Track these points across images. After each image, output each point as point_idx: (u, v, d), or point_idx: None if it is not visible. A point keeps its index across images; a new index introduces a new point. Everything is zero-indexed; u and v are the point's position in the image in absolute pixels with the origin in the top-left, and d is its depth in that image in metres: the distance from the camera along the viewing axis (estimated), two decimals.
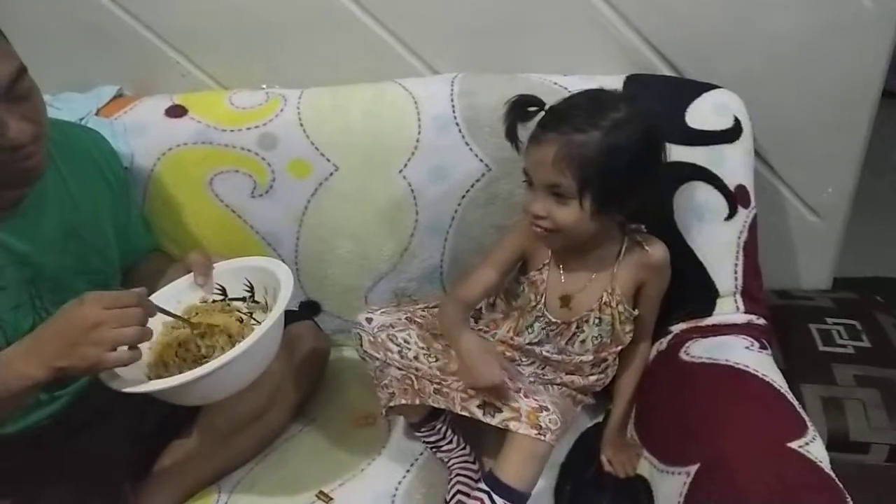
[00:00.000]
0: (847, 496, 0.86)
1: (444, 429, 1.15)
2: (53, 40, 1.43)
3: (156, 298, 1.03)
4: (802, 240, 1.51)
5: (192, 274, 1.08)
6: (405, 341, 1.10)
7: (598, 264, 1.10)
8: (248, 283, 1.08)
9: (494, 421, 1.01)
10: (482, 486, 0.99)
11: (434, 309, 1.20)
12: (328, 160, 1.30)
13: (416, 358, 1.08)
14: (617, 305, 1.10)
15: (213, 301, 1.08)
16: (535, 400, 1.00)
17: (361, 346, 1.13)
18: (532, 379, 1.14)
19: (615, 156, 0.96)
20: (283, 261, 1.31)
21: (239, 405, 1.16)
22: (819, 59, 1.32)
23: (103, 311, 0.84)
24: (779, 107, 1.36)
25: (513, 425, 0.99)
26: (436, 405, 1.06)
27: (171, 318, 1.01)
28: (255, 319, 1.06)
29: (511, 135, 1.03)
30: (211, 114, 1.33)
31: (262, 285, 1.07)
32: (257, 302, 1.08)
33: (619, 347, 1.14)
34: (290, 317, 1.28)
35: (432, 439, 1.16)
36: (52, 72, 1.40)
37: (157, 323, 1.00)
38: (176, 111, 1.34)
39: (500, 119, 1.03)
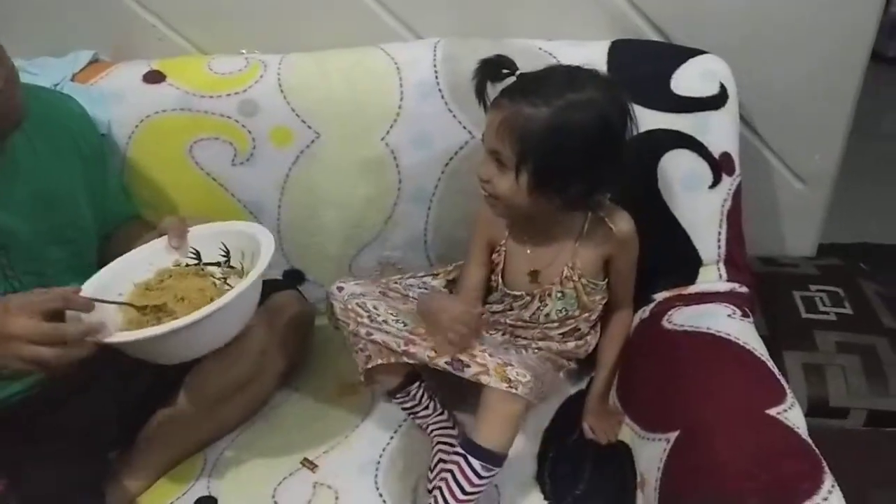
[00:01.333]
0: (823, 462, 0.87)
1: (419, 394, 1.16)
2: (28, 3, 1.40)
3: (128, 260, 1.06)
4: (788, 207, 1.52)
5: (165, 237, 1.07)
6: (374, 308, 1.10)
7: (563, 238, 1.10)
8: (224, 248, 1.08)
9: (465, 375, 1.02)
10: (458, 449, 1.01)
11: (416, 278, 1.21)
12: (310, 127, 1.29)
13: (384, 322, 1.09)
14: (580, 279, 1.10)
15: (187, 265, 1.08)
16: (501, 358, 1.02)
17: (334, 314, 1.13)
18: (506, 346, 1.14)
19: (558, 137, 0.94)
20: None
21: (224, 373, 1.18)
22: (808, 24, 1.30)
23: (25, 322, 0.84)
24: (767, 73, 1.35)
25: (483, 378, 1.00)
26: (408, 360, 1.07)
27: (142, 279, 1.03)
28: (228, 284, 1.05)
29: (479, 92, 1.02)
30: (190, 80, 1.31)
31: (240, 250, 1.07)
32: (232, 267, 1.07)
33: (591, 315, 1.15)
34: (273, 285, 1.30)
35: (408, 405, 1.16)
36: (27, 36, 1.40)
37: (128, 284, 1.03)
38: (154, 77, 1.32)
39: (471, 76, 1.02)
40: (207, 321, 0.89)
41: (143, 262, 1.06)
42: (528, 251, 1.12)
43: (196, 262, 1.08)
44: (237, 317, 0.99)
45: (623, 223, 1.10)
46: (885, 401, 1.19)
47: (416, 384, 1.15)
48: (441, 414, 1.17)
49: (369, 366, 1.11)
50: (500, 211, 1.09)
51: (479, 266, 1.18)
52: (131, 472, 1.13)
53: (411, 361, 1.07)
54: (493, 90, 1.02)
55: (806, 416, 1.17)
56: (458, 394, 1.16)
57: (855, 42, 1.32)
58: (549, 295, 1.12)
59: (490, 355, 1.02)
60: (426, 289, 1.23)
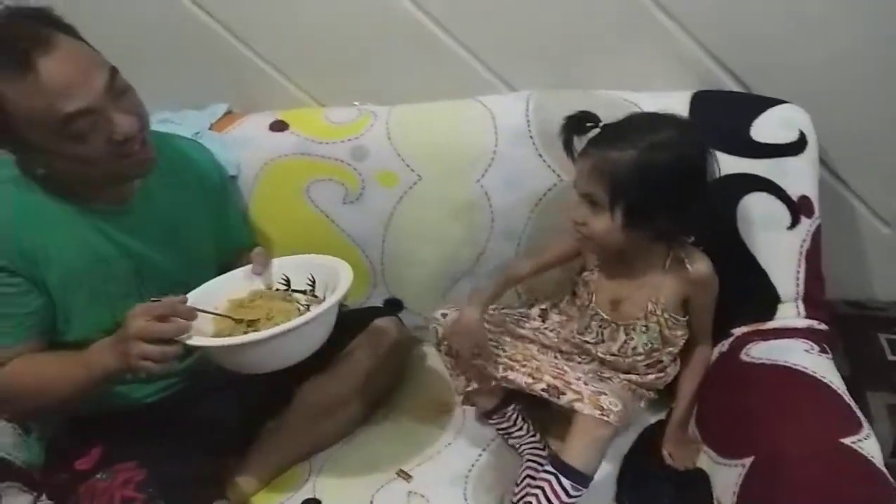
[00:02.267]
0: None
1: (514, 416, 1.25)
2: (172, 63, 1.58)
3: (226, 279, 1.19)
4: (875, 251, 1.52)
5: (250, 265, 1.21)
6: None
7: (643, 274, 1.18)
8: (311, 279, 1.19)
9: (560, 402, 1.10)
10: (549, 468, 1.08)
11: (506, 311, 1.32)
12: (413, 170, 1.41)
13: (488, 352, 1.18)
14: (662, 314, 1.17)
15: (277, 289, 1.20)
16: (594, 387, 1.10)
17: (437, 337, 1.24)
18: (591, 375, 1.21)
19: (645, 175, 1.04)
20: (370, 262, 1.46)
21: (330, 390, 1.30)
22: (885, 70, 1.33)
23: (142, 324, 0.98)
24: (848, 120, 1.38)
25: (577, 406, 1.08)
26: (506, 385, 1.16)
27: (236, 297, 1.16)
28: (309, 310, 1.14)
29: (567, 146, 1.13)
30: (309, 128, 1.46)
31: (325, 282, 1.18)
32: (315, 296, 1.19)
33: (673, 349, 1.21)
34: (375, 313, 1.42)
35: (504, 426, 1.25)
36: (172, 92, 1.57)
37: (223, 300, 1.16)
38: (278, 126, 1.47)
39: (559, 132, 1.13)
40: (278, 339, 1.00)
41: (239, 282, 1.19)
42: (613, 282, 1.21)
43: (286, 287, 1.21)
44: (310, 338, 1.08)
45: (700, 265, 1.16)
46: None
47: (512, 406, 1.24)
48: (534, 436, 1.24)
49: (469, 388, 1.20)
50: (591, 249, 1.20)
51: (552, 256, 1.27)
52: (246, 472, 1.25)
53: (509, 386, 1.16)
54: (579, 142, 1.13)
55: (890, 457, 1.19)
56: (550, 417, 1.24)
57: None
58: (635, 329, 1.19)
59: (585, 384, 1.11)
60: (520, 316, 1.31)
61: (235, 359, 1.07)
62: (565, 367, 1.17)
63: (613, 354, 1.21)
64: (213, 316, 1.10)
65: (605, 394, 1.08)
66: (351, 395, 1.32)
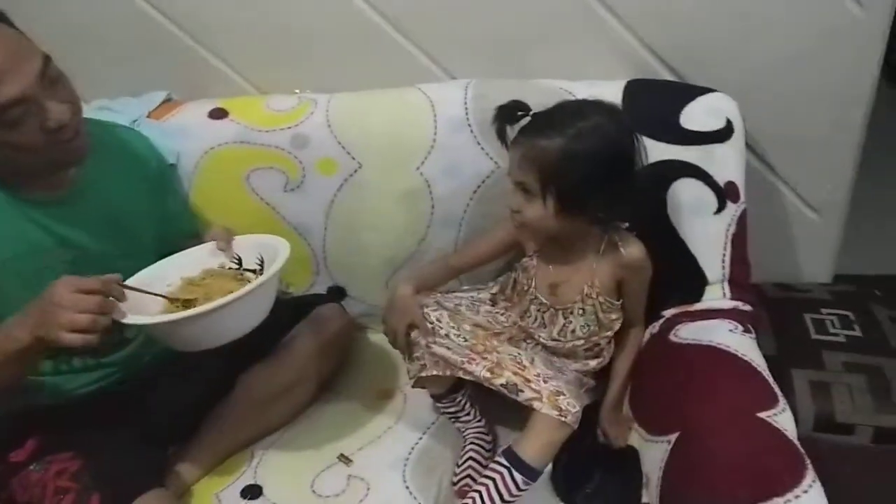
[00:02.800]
0: (807, 460, 0.94)
1: (463, 401, 1.26)
2: (111, 50, 1.57)
3: (180, 258, 1.20)
4: (802, 236, 1.58)
5: (213, 242, 1.21)
6: (437, 320, 1.19)
7: (579, 259, 1.21)
8: (260, 258, 1.20)
9: (519, 398, 1.12)
10: (502, 460, 1.10)
11: (463, 293, 1.33)
12: (353, 158, 1.42)
13: (447, 335, 1.18)
14: (598, 297, 1.20)
15: (229, 268, 1.21)
16: (553, 384, 1.12)
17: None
18: (545, 364, 1.23)
19: (573, 162, 1.06)
20: (312, 249, 1.47)
21: (272, 377, 1.30)
22: (814, 61, 1.38)
23: (68, 294, 0.95)
24: (777, 108, 1.43)
25: (536, 405, 1.10)
26: (465, 377, 1.16)
27: (188, 275, 1.17)
28: None
29: (500, 135, 1.15)
30: (249, 116, 1.45)
31: (272, 261, 1.16)
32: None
33: (610, 332, 1.24)
34: (318, 300, 1.43)
35: (452, 410, 1.26)
36: (110, 79, 1.55)
37: (176, 278, 1.16)
38: (218, 114, 1.46)
39: (491, 121, 1.15)
40: (213, 315, 1.00)
41: (193, 261, 1.20)
42: (550, 267, 1.23)
43: (237, 266, 1.21)
44: (246, 313, 1.08)
45: (634, 248, 1.19)
46: (890, 418, 1.23)
47: (462, 392, 1.26)
48: (479, 421, 1.27)
49: (423, 374, 1.20)
50: (527, 236, 1.22)
51: (490, 247, 1.30)
52: (187, 462, 1.25)
53: (467, 378, 1.16)
54: (511, 131, 1.15)
55: (812, 430, 1.25)
56: (497, 404, 1.24)
57: (860, 74, 1.39)
58: (573, 312, 1.22)
59: (544, 381, 1.13)
60: (473, 301, 1.32)
61: (173, 336, 1.06)
62: (525, 362, 1.17)
63: (554, 339, 1.24)
64: (159, 297, 1.10)
65: (564, 394, 1.10)
66: (294, 381, 1.32)
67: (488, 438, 1.25)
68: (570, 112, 1.11)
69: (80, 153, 1.09)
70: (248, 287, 1.04)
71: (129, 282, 1.07)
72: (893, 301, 1.48)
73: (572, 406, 1.09)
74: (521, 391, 1.12)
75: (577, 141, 1.07)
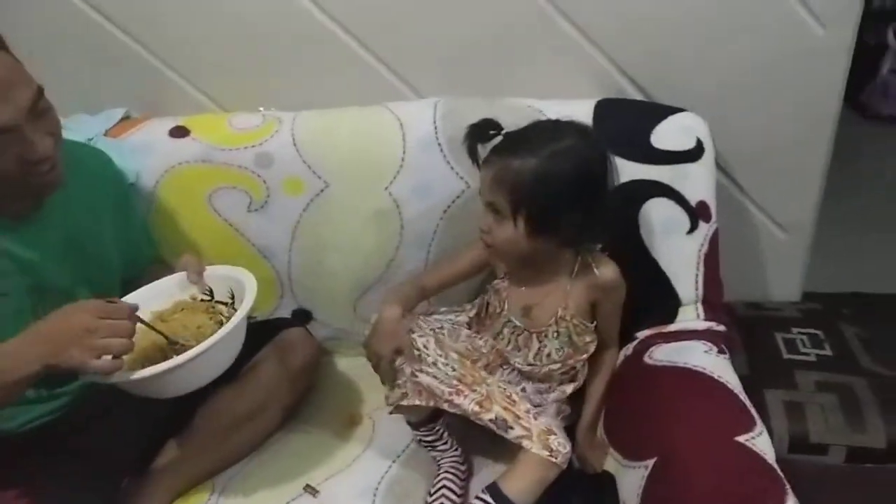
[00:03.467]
0: (787, 484, 0.93)
1: (441, 430, 1.21)
2: (65, 65, 1.51)
3: (151, 289, 1.16)
4: (771, 254, 1.59)
5: (184, 273, 1.17)
6: (424, 346, 1.14)
7: (552, 280, 1.18)
8: (231, 292, 1.16)
9: (508, 436, 1.09)
10: (487, 498, 1.06)
11: (442, 315, 1.29)
12: (319, 178, 1.38)
13: (434, 364, 1.13)
14: (571, 319, 1.18)
15: (201, 300, 1.17)
16: (544, 422, 1.09)
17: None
18: (530, 393, 1.21)
19: (545, 183, 1.04)
20: (276, 272, 1.43)
21: (235, 405, 1.25)
22: (780, 81, 1.39)
23: (97, 319, 0.92)
24: (744, 128, 1.44)
25: (525, 443, 1.07)
26: (451, 410, 1.11)
27: (159, 308, 1.14)
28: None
29: (472, 154, 1.13)
30: (211, 134, 1.41)
31: (240, 295, 1.15)
32: (235, 309, 1.14)
33: (585, 356, 1.22)
34: (283, 324, 1.38)
35: (429, 439, 1.21)
36: (64, 95, 1.46)
37: (147, 312, 1.12)
38: (179, 132, 1.42)
39: (462, 139, 1.12)
40: (185, 366, 0.98)
41: (164, 292, 1.16)
42: (523, 289, 1.21)
43: (209, 298, 1.18)
44: (216, 360, 1.06)
45: (607, 269, 1.18)
46: (863, 437, 1.24)
47: (440, 420, 1.21)
48: (456, 450, 1.22)
49: (403, 403, 1.15)
50: (497, 257, 1.19)
51: (458, 268, 1.26)
52: (144, 496, 1.19)
53: (452, 410, 1.11)
54: (483, 150, 1.13)
55: (788, 452, 1.24)
56: (475, 433, 1.22)
57: (825, 93, 1.41)
58: (546, 335, 1.19)
59: (535, 418, 1.10)
60: (454, 326, 1.27)
61: (147, 388, 1.03)
62: (514, 397, 1.14)
63: (530, 363, 1.21)
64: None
65: (555, 433, 1.08)
66: (257, 409, 1.27)
67: (463, 468, 1.21)
68: (543, 132, 1.09)
69: (55, 184, 1.06)
70: (217, 336, 1.01)
71: None
72: (860, 319, 1.50)
73: (563, 447, 1.07)
74: (511, 428, 1.09)
75: (551, 162, 1.05)
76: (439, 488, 1.16)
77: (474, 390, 1.12)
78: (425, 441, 1.22)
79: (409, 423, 1.24)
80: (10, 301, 1.07)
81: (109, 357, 0.93)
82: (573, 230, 1.09)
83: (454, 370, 1.13)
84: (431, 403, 1.12)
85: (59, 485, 1.07)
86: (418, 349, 1.14)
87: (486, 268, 1.27)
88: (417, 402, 1.13)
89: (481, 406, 1.10)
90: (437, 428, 1.21)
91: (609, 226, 1.13)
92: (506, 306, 1.21)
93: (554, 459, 1.06)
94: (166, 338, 1.07)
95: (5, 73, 0.95)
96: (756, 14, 1.34)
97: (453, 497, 1.15)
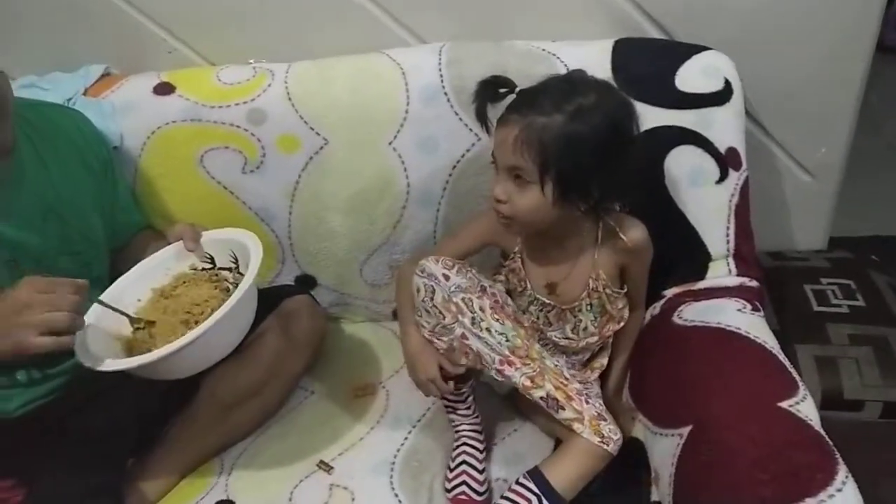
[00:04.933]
0: (836, 453, 0.87)
1: (466, 394, 1.15)
2: (37, 19, 1.42)
3: (146, 266, 1.10)
4: (796, 200, 1.52)
5: (180, 242, 1.11)
6: (480, 309, 1.06)
7: (577, 251, 1.10)
8: (233, 255, 1.10)
9: (559, 416, 1.03)
10: (531, 486, 1.01)
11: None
12: (318, 134, 1.30)
13: (488, 329, 1.05)
14: (604, 289, 1.10)
15: (203, 269, 1.11)
16: (595, 407, 1.04)
17: (432, 299, 1.07)
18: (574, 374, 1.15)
19: (576, 142, 0.94)
20: (276, 236, 1.36)
21: (239, 378, 1.20)
22: (811, 17, 1.30)
23: (35, 294, 0.86)
24: (771, 67, 1.35)
25: (577, 427, 1.02)
26: (499, 378, 1.06)
27: (159, 284, 1.08)
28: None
29: (480, 115, 1.02)
30: (199, 91, 1.33)
31: (245, 258, 1.09)
32: (241, 274, 1.09)
33: (621, 324, 1.15)
34: (286, 291, 1.32)
35: (451, 399, 1.15)
36: (38, 52, 1.41)
37: (146, 289, 1.08)
38: (164, 89, 1.33)
39: (471, 99, 1.02)
40: (192, 346, 0.92)
41: (161, 267, 1.10)
42: (543, 264, 1.12)
43: (211, 266, 1.11)
44: (223, 338, 1.01)
45: (635, 232, 1.09)
46: None
47: (469, 383, 1.15)
48: (476, 417, 1.16)
49: (448, 357, 1.09)
50: (515, 229, 1.08)
51: (459, 250, 1.16)
52: (149, 476, 1.15)
53: (500, 379, 1.06)
54: (493, 111, 1.02)
55: (820, 409, 1.18)
56: (496, 404, 1.21)
57: (859, 33, 1.32)
58: (580, 309, 1.12)
59: (586, 401, 1.04)
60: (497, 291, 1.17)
61: (154, 371, 0.98)
62: (567, 375, 1.08)
63: (568, 338, 1.15)
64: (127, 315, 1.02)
65: (605, 419, 1.03)
66: (262, 382, 1.22)
67: (481, 437, 1.15)
68: (564, 88, 0.98)
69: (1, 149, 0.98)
70: (222, 310, 0.94)
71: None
72: (890, 267, 1.44)
73: (614, 433, 1.02)
74: (563, 408, 1.04)
75: (580, 118, 0.94)
76: (459, 463, 1.11)
77: (526, 363, 1.06)
78: (448, 401, 1.16)
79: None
80: None
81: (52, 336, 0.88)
82: (601, 192, 0.99)
83: (508, 340, 1.06)
84: (478, 367, 1.07)
85: (57, 471, 1.03)
86: (473, 312, 1.06)
87: (490, 245, 1.18)
88: (463, 362, 1.07)
89: (532, 381, 1.04)
90: (463, 390, 1.15)
91: (635, 185, 1.03)
92: (528, 284, 1.13)
93: (605, 447, 1.01)
94: (129, 317, 1.02)
95: None
96: None
97: (475, 473, 1.10)
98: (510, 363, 1.05)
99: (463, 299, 1.06)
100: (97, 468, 1.07)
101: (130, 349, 1.02)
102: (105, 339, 1.00)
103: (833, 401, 1.20)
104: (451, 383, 1.11)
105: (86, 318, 0.94)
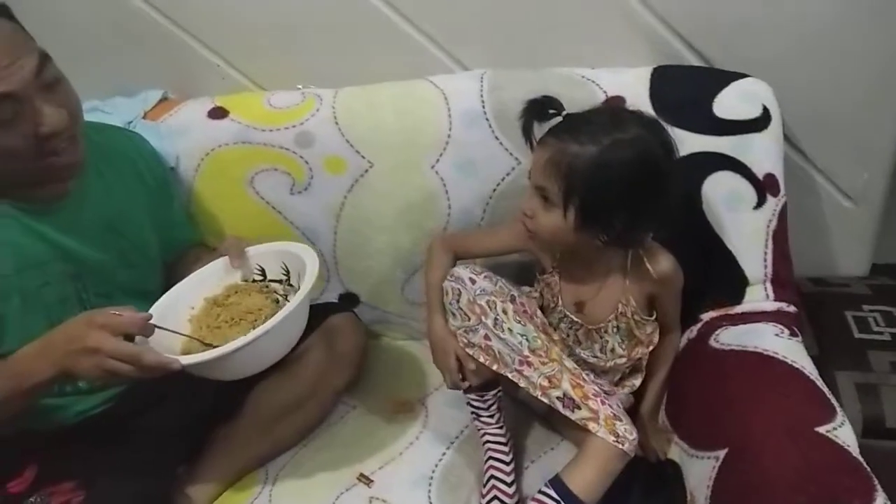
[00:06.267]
0: (875, 480, 0.87)
1: (490, 401, 1.17)
2: (101, 48, 1.49)
3: (199, 277, 1.14)
4: (838, 226, 1.50)
5: (227, 257, 1.14)
6: (503, 311, 1.09)
7: (604, 274, 1.12)
8: (285, 267, 1.13)
9: (574, 416, 1.04)
10: (552, 493, 1.02)
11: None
12: (363, 157, 1.34)
13: (509, 330, 1.08)
14: (632, 315, 1.12)
15: (253, 281, 1.15)
16: (611, 407, 1.04)
17: (458, 301, 1.11)
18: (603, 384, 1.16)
19: (603, 175, 0.96)
20: (322, 255, 1.39)
21: (283, 392, 1.24)
22: (850, 41, 1.30)
23: (107, 339, 0.89)
24: (811, 92, 1.35)
25: (592, 426, 1.03)
26: (516, 381, 1.08)
27: (211, 294, 1.12)
28: (288, 301, 1.10)
29: (526, 132, 1.05)
30: (250, 114, 1.38)
31: (297, 270, 1.12)
32: (292, 285, 1.13)
33: (650, 347, 1.17)
34: (329, 308, 1.35)
35: (476, 404, 1.17)
36: (101, 78, 1.47)
37: (199, 299, 1.11)
38: (217, 113, 1.39)
39: (518, 115, 1.06)
40: (250, 347, 0.95)
41: (213, 277, 1.14)
42: (574, 282, 1.15)
43: (262, 278, 1.15)
44: (279, 341, 1.03)
45: (663, 263, 1.10)
46: None
47: (493, 392, 1.16)
48: (500, 427, 1.17)
49: (470, 352, 1.11)
50: (539, 245, 1.12)
51: (492, 247, 1.21)
52: (197, 484, 1.19)
53: (519, 382, 1.08)
54: (539, 129, 1.06)
55: (861, 437, 1.17)
56: (522, 418, 1.22)
57: None
58: (607, 330, 1.14)
59: (602, 402, 1.05)
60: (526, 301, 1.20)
61: (208, 370, 1.01)
62: (585, 377, 1.09)
63: (596, 356, 1.17)
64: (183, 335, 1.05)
65: (621, 420, 1.04)
66: (305, 396, 1.26)
67: (507, 450, 1.16)
68: (607, 119, 1.01)
69: (74, 167, 1.03)
70: (281, 314, 0.97)
71: (152, 310, 1.03)
72: None
73: (629, 433, 1.02)
74: (578, 408, 1.04)
75: (612, 152, 0.97)
76: (488, 479, 1.13)
77: (545, 363, 1.07)
78: (473, 408, 1.17)
79: (464, 389, 1.18)
80: (52, 289, 1.07)
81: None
82: (624, 229, 1.01)
83: (528, 341, 1.08)
84: (494, 367, 1.09)
85: (115, 475, 1.06)
86: (496, 314, 1.09)
87: (517, 251, 1.21)
88: (482, 360, 1.10)
89: (550, 382, 1.06)
90: (487, 397, 1.16)
91: (669, 217, 1.04)
92: (559, 301, 1.16)
93: (620, 445, 1.01)
94: (196, 339, 1.05)
95: (6, 39, 0.93)
96: None
97: (504, 487, 1.11)
98: (529, 363, 1.07)
99: (487, 301, 1.09)
100: (150, 473, 1.11)
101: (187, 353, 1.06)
102: (162, 344, 1.04)
103: (874, 429, 1.18)
104: (465, 384, 1.13)
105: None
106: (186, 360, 0.96)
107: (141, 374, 0.92)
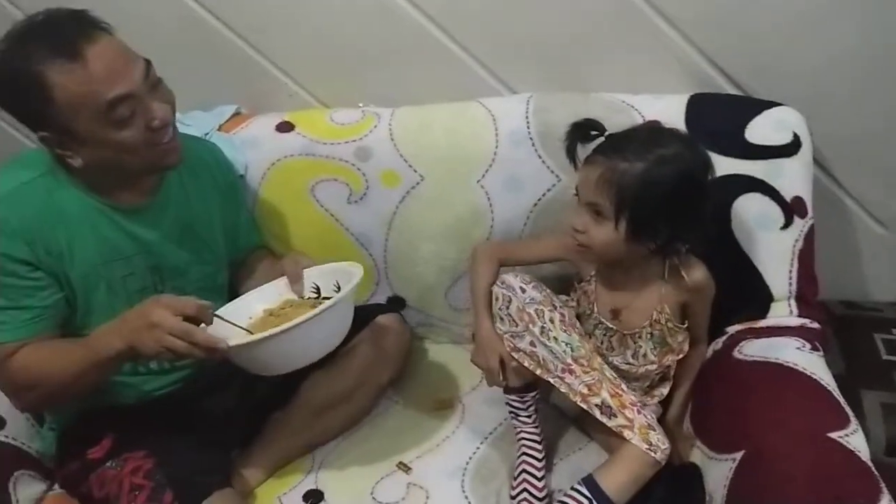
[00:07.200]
0: (882, 483, 0.92)
1: (529, 403, 1.23)
2: (182, 66, 1.53)
3: (261, 290, 1.24)
4: (870, 251, 1.53)
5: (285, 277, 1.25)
6: (550, 320, 1.17)
7: (641, 283, 1.19)
8: (337, 284, 1.23)
9: (611, 423, 1.11)
10: (584, 491, 1.09)
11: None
12: (415, 171, 1.44)
13: (555, 339, 1.16)
14: (666, 322, 1.19)
15: (308, 297, 1.24)
16: (646, 417, 1.12)
17: (508, 308, 1.18)
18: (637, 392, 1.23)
19: (651, 188, 1.05)
20: (373, 260, 1.49)
21: (332, 384, 1.33)
22: (879, 71, 1.34)
23: (169, 318, 0.99)
24: (844, 120, 1.39)
25: (627, 434, 1.10)
26: (557, 386, 1.15)
27: (269, 307, 1.22)
28: None
29: (570, 152, 1.14)
30: (314, 129, 1.48)
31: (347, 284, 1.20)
32: None
33: (680, 355, 1.23)
34: (378, 309, 1.44)
35: (515, 405, 1.23)
36: (180, 94, 1.58)
37: (258, 309, 1.22)
38: (284, 127, 1.50)
39: (563, 137, 1.14)
40: (285, 336, 1.03)
41: (273, 292, 1.25)
42: (611, 289, 1.22)
43: (316, 296, 1.25)
44: (315, 336, 1.10)
45: (697, 273, 1.17)
46: None
47: (532, 394, 1.23)
48: (536, 426, 1.23)
49: (515, 356, 1.17)
50: (589, 257, 1.20)
51: (535, 255, 1.29)
52: (250, 465, 1.28)
53: (560, 388, 1.15)
54: (582, 150, 1.15)
55: (884, 454, 1.21)
56: (556, 423, 1.28)
57: None
58: (640, 336, 1.21)
59: (639, 412, 1.12)
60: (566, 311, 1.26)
61: (252, 359, 1.10)
62: (624, 387, 1.16)
63: (628, 363, 1.23)
64: (237, 326, 1.14)
65: (655, 429, 1.10)
66: (353, 388, 1.35)
67: (540, 447, 1.22)
68: (648, 137, 1.10)
69: (177, 156, 1.15)
70: (317, 309, 1.05)
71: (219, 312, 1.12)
72: None
73: (662, 443, 1.09)
74: (615, 416, 1.11)
75: (659, 167, 1.06)
76: (520, 472, 1.19)
77: (587, 372, 1.15)
78: (512, 407, 1.24)
79: (504, 387, 1.24)
80: (135, 279, 1.19)
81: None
82: (670, 236, 1.10)
83: (573, 350, 1.16)
84: (538, 371, 1.15)
85: (178, 449, 1.17)
86: (543, 322, 1.17)
87: (558, 260, 1.29)
88: (526, 364, 1.16)
89: (590, 389, 1.13)
90: (526, 398, 1.23)
91: (703, 230, 1.12)
92: (595, 308, 1.23)
93: (653, 454, 1.07)
94: (247, 331, 1.13)
95: (117, 51, 1.06)
96: None
97: (534, 482, 1.18)
98: (571, 371, 1.14)
99: (536, 310, 1.17)
100: (212, 450, 1.21)
101: None
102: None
103: None
104: (504, 382, 1.20)
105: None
106: (231, 341, 1.05)
107: (192, 351, 1.00)
